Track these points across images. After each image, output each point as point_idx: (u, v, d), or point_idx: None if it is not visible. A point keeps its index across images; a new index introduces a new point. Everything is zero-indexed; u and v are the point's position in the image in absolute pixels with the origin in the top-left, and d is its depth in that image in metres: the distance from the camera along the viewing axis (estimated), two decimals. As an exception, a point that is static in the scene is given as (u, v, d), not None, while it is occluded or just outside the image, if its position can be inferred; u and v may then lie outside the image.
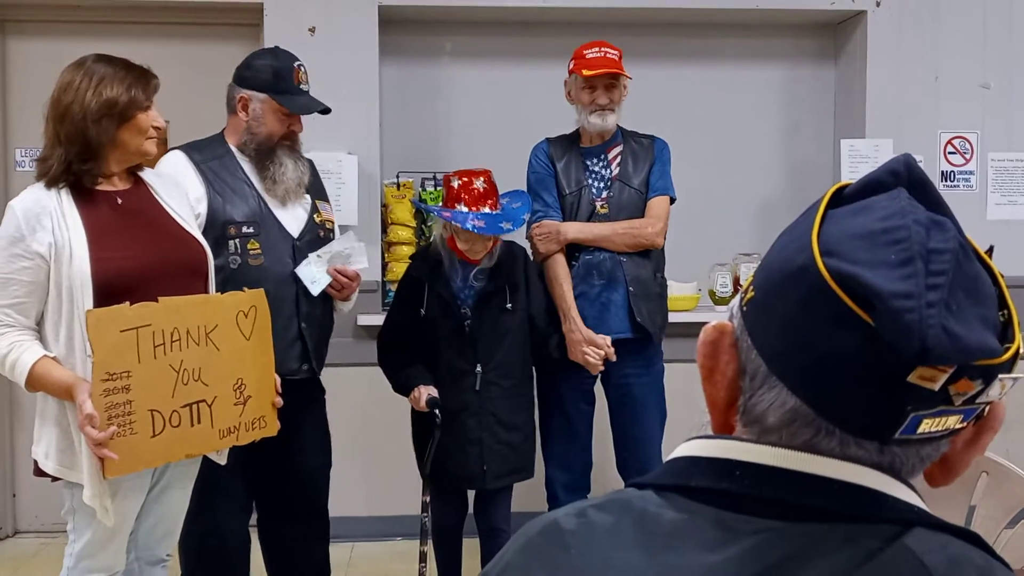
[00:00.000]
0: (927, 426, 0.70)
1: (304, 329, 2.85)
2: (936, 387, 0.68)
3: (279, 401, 2.56)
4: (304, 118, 2.93)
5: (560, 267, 3.20)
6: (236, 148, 2.88)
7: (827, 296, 0.69)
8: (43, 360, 2.24)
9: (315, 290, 2.83)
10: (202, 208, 2.76)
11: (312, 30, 4.08)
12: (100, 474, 2.23)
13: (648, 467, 3.08)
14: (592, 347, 3.11)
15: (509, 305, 3.04)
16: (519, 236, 3.28)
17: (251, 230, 2.79)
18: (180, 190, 2.60)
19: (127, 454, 2.21)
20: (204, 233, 2.70)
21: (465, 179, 3.02)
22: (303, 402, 2.94)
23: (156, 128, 2.41)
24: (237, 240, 2.77)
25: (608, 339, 3.12)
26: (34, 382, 2.25)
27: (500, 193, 3.08)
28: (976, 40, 4.34)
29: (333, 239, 2.95)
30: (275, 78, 2.84)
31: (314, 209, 2.94)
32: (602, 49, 3.24)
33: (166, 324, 2.27)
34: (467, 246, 3.00)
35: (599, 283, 3.21)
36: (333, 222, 3.03)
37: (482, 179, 3.02)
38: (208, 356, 2.37)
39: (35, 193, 2.32)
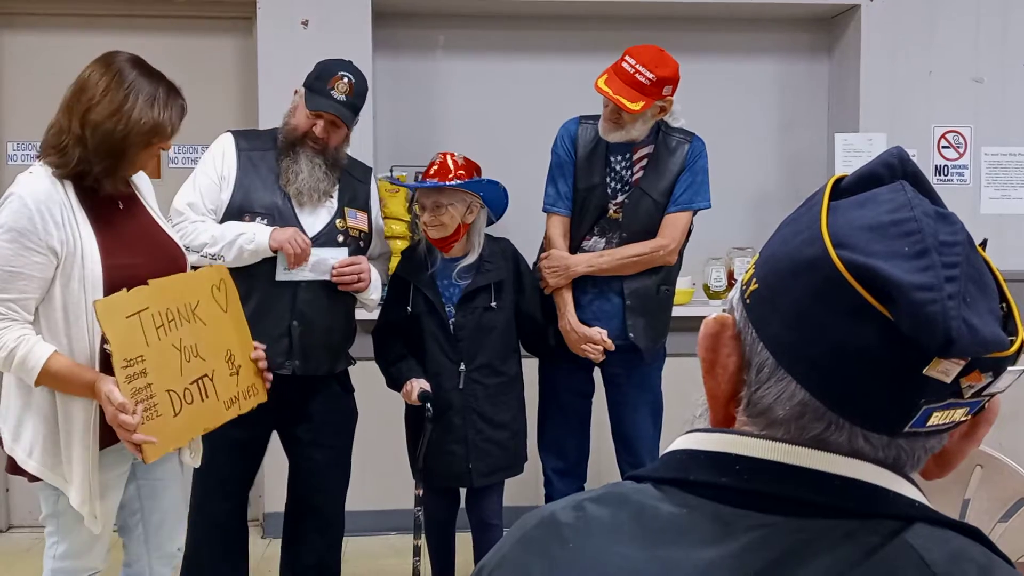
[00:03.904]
0: (936, 419, 0.70)
1: (293, 327, 2.85)
2: (949, 379, 0.68)
3: (264, 365, 2.58)
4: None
5: (565, 291, 3.13)
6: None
7: (842, 288, 0.68)
8: (56, 355, 2.18)
9: (279, 274, 2.82)
10: (227, 190, 2.83)
11: (305, 23, 4.06)
12: (91, 477, 2.21)
13: (642, 464, 3.05)
14: (589, 343, 3.08)
15: (494, 303, 3.01)
16: (519, 241, 3.24)
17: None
18: (152, 193, 2.56)
19: (158, 436, 2.22)
20: (222, 215, 2.80)
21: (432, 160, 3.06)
22: (306, 398, 2.96)
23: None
24: None
25: (604, 332, 3.08)
26: (46, 377, 2.18)
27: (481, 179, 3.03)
28: (969, 34, 4.34)
29: (358, 249, 2.95)
30: (316, 77, 2.90)
31: (339, 214, 2.94)
32: (637, 67, 2.94)
33: (160, 305, 2.29)
34: (422, 221, 3.00)
35: (592, 291, 3.13)
36: (363, 231, 2.99)
37: (441, 157, 3.01)
38: (199, 331, 2.40)
39: (42, 183, 2.22)
